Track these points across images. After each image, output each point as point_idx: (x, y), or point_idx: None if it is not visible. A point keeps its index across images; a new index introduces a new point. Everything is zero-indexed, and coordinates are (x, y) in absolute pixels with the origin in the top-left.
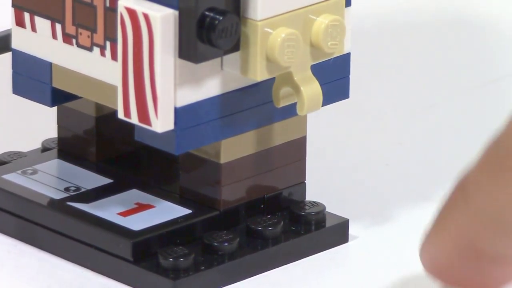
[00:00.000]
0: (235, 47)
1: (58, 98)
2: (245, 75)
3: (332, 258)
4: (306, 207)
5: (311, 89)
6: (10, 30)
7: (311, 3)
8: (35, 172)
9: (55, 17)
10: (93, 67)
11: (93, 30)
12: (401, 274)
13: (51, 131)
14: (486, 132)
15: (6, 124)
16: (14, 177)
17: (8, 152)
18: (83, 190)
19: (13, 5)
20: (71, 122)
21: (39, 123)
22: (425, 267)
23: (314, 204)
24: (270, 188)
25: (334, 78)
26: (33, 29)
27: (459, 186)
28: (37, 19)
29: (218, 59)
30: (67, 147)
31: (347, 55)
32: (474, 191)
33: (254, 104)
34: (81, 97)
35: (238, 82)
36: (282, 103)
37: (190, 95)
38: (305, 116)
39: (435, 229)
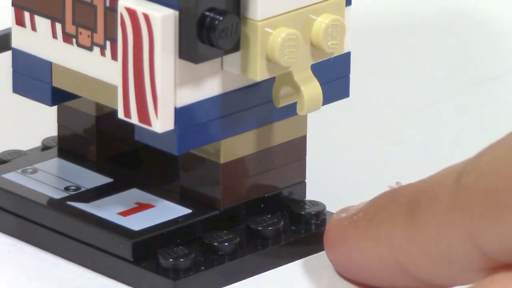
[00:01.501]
0: (235, 47)
1: (58, 97)
2: (245, 75)
3: None
4: (306, 207)
5: (311, 89)
6: (10, 29)
7: (311, 3)
8: (35, 171)
9: (55, 17)
10: (93, 67)
11: (93, 30)
12: None
13: (51, 130)
14: (486, 131)
15: (6, 123)
16: (14, 176)
17: (8, 150)
18: (83, 189)
19: (13, 4)
20: (71, 121)
21: (39, 122)
22: (335, 264)
23: (314, 203)
24: (270, 187)
25: (334, 77)
26: (33, 28)
27: (412, 198)
28: (37, 18)
29: (218, 59)
30: (67, 146)
31: (347, 54)
32: (425, 214)
33: (254, 103)
34: (81, 96)
35: (238, 82)
36: (282, 103)
37: (190, 95)
38: (305, 116)
39: (364, 232)
